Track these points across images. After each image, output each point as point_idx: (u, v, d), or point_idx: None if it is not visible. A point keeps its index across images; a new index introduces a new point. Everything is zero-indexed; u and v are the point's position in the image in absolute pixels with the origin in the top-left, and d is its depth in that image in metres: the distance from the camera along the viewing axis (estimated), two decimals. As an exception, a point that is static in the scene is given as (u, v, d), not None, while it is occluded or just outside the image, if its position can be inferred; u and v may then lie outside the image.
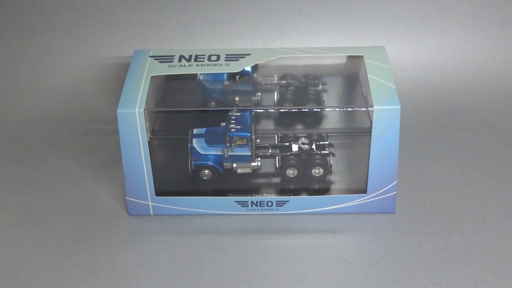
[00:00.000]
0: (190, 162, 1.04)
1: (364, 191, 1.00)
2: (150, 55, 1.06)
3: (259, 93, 1.12)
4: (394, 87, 0.98)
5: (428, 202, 1.03)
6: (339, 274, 0.91)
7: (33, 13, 1.27)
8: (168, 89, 1.09)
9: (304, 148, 1.05)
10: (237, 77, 1.12)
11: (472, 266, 0.92)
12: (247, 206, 1.01)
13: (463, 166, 1.11)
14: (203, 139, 1.04)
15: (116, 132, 0.97)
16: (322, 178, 1.04)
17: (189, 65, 1.04)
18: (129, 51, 1.25)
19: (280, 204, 1.01)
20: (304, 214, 1.01)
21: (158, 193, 1.00)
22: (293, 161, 1.04)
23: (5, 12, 1.27)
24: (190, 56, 1.05)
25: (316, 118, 1.14)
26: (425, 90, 1.26)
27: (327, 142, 1.06)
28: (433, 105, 1.25)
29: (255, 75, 1.13)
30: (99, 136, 1.21)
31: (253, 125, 1.02)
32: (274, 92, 1.12)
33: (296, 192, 1.03)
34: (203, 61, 1.04)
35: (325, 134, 1.07)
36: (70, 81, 1.27)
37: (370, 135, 0.96)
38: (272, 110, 1.16)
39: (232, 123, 1.02)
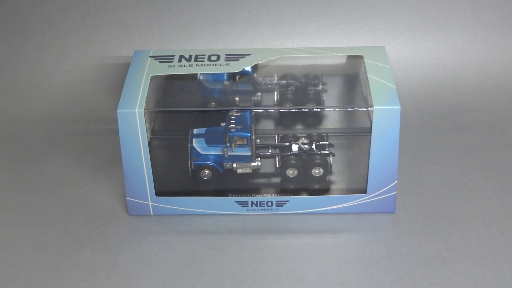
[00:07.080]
0: (190, 162, 1.04)
1: (364, 191, 1.00)
2: (150, 55, 1.06)
3: (259, 93, 1.12)
4: (394, 87, 0.98)
5: (428, 202, 1.03)
6: (339, 274, 0.91)
7: (33, 13, 1.27)
8: (168, 89, 1.09)
9: (304, 148, 1.05)
10: (237, 77, 1.12)
11: (472, 266, 0.92)
12: (247, 206, 1.01)
13: (463, 166, 1.11)
14: (203, 139, 1.04)
15: (116, 132, 0.97)
16: (322, 178, 1.04)
17: (189, 65, 1.04)
18: (129, 51, 1.25)
19: (280, 204, 1.01)
20: (304, 214, 1.01)
21: (158, 193, 1.00)
22: (293, 161, 1.04)
23: (5, 12, 1.27)
24: (190, 56, 1.05)
25: (316, 118, 1.14)
26: (425, 90, 1.26)
27: (327, 142, 1.06)
28: (433, 105, 1.24)
29: (255, 75, 1.13)
30: (99, 136, 1.21)
31: (253, 125, 1.02)
32: (274, 92, 1.12)
33: (296, 192, 1.03)
34: (203, 61, 1.04)
35: (325, 134, 1.07)
36: (70, 81, 1.27)
37: (370, 135, 0.96)
38: (272, 110, 1.16)
39: (232, 123, 1.02)
